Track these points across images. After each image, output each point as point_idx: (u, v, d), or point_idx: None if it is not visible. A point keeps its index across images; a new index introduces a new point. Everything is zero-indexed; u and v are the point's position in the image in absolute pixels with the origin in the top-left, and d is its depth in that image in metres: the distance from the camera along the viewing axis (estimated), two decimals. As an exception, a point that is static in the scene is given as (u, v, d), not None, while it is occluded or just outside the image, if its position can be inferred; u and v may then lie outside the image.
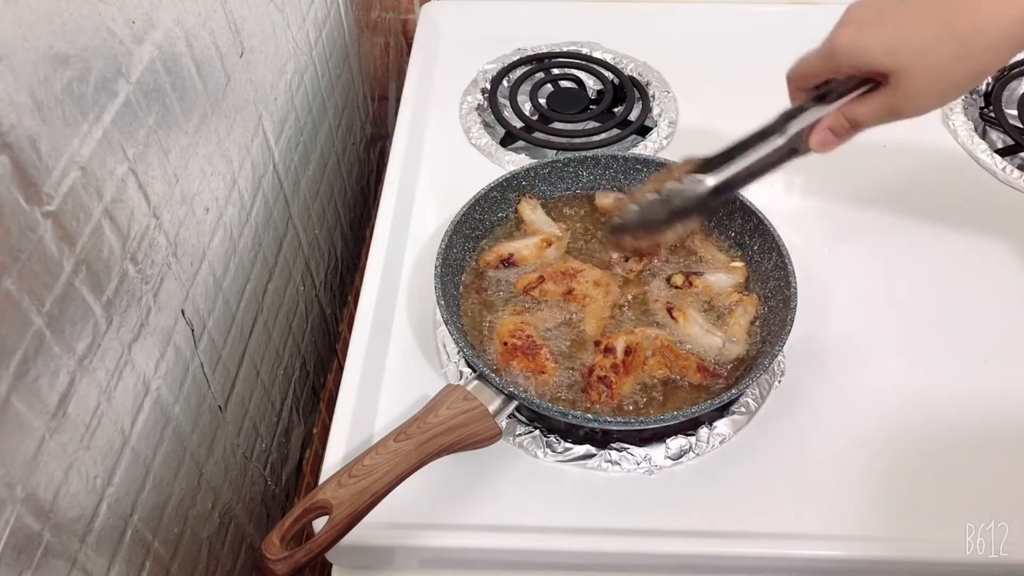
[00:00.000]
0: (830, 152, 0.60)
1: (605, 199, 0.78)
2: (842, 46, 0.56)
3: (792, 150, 0.61)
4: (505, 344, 0.66)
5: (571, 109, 0.94)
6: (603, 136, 0.91)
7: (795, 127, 0.60)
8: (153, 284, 0.55)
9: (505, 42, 1.02)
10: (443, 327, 0.70)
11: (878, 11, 0.56)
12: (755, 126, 0.62)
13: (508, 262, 0.73)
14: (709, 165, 0.62)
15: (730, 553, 0.60)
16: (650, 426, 0.63)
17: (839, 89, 0.59)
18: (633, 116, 0.93)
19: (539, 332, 0.68)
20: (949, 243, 0.80)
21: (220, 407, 0.67)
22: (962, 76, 0.55)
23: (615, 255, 0.74)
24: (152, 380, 0.55)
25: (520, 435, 0.65)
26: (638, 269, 0.73)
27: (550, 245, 0.74)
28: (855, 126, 0.59)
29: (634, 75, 0.98)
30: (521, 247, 0.74)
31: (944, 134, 0.89)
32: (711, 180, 0.62)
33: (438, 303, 0.66)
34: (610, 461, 0.64)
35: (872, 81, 0.58)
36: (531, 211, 0.77)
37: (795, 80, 0.62)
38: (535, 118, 0.94)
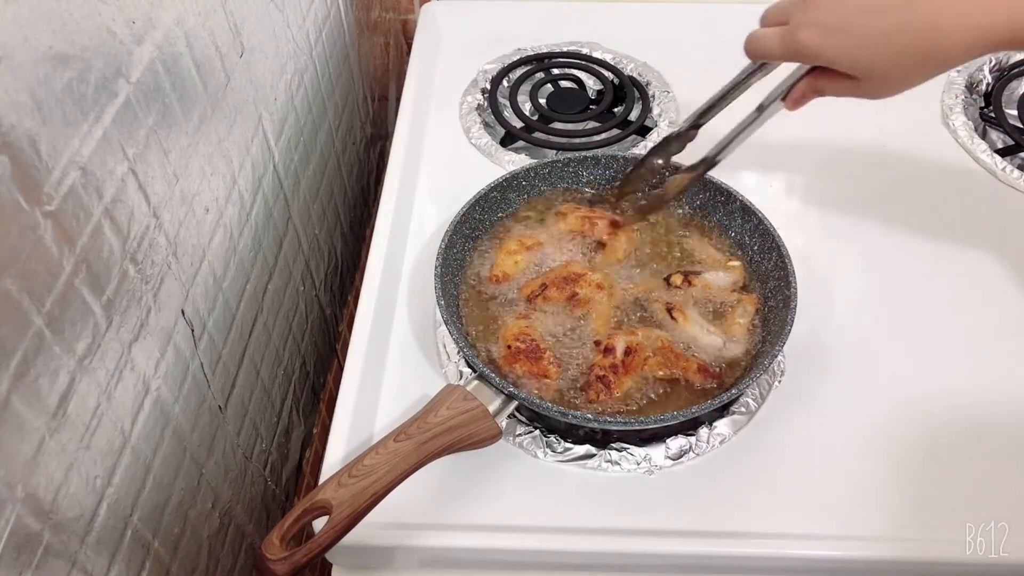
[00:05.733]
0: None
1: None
2: (807, 48, 0.60)
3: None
4: (509, 348, 0.66)
5: (571, 109, 0.94)
6: (603, 136, 0.91)
7: (773, 99, 0.67)
8: (153, 284, 0.55)
9: (505, 42, 1.02)
10: (443, 327, 0.70)
11: (840, 17, 0.58)
12: (749, 110, 0.68)
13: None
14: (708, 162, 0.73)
15: (730, 553, 0.60)
16: (650, 426, 0.63)
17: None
18: (633, 116, 0.93)
19: (544, 337, 0.68)
20: (949, 243, 0.80)
21: (220, 407, 0.67)
22: (921, 80, 0.60)
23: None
24: (152, 380, 0.55)
25: (520, 435, 0.65)
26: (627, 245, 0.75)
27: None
28: (821, 94, 0.64)
29: (634, 75, 0.98)
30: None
31: (944, 134, 0.89)
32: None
33: (438, 303, 0.66)
34: (610, 461, 0.64)
35: None
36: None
37: (754, 56, 0.66)
38: (535, 118, 0.94)
